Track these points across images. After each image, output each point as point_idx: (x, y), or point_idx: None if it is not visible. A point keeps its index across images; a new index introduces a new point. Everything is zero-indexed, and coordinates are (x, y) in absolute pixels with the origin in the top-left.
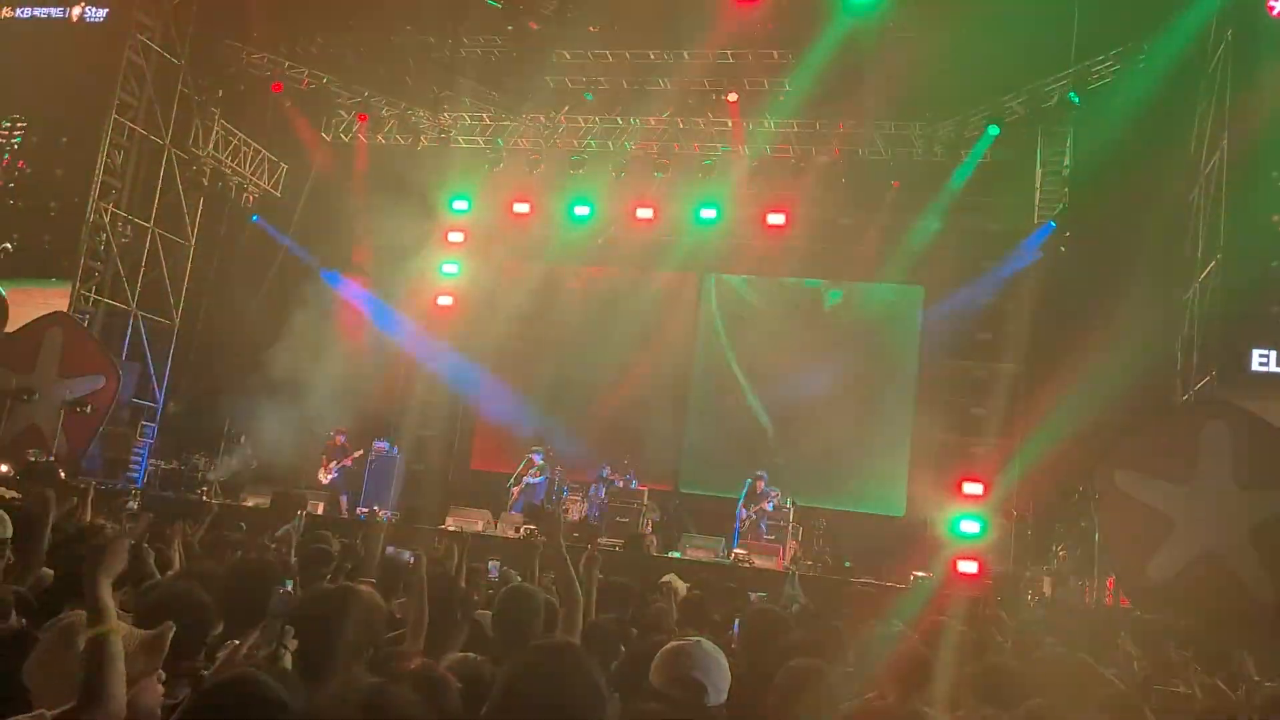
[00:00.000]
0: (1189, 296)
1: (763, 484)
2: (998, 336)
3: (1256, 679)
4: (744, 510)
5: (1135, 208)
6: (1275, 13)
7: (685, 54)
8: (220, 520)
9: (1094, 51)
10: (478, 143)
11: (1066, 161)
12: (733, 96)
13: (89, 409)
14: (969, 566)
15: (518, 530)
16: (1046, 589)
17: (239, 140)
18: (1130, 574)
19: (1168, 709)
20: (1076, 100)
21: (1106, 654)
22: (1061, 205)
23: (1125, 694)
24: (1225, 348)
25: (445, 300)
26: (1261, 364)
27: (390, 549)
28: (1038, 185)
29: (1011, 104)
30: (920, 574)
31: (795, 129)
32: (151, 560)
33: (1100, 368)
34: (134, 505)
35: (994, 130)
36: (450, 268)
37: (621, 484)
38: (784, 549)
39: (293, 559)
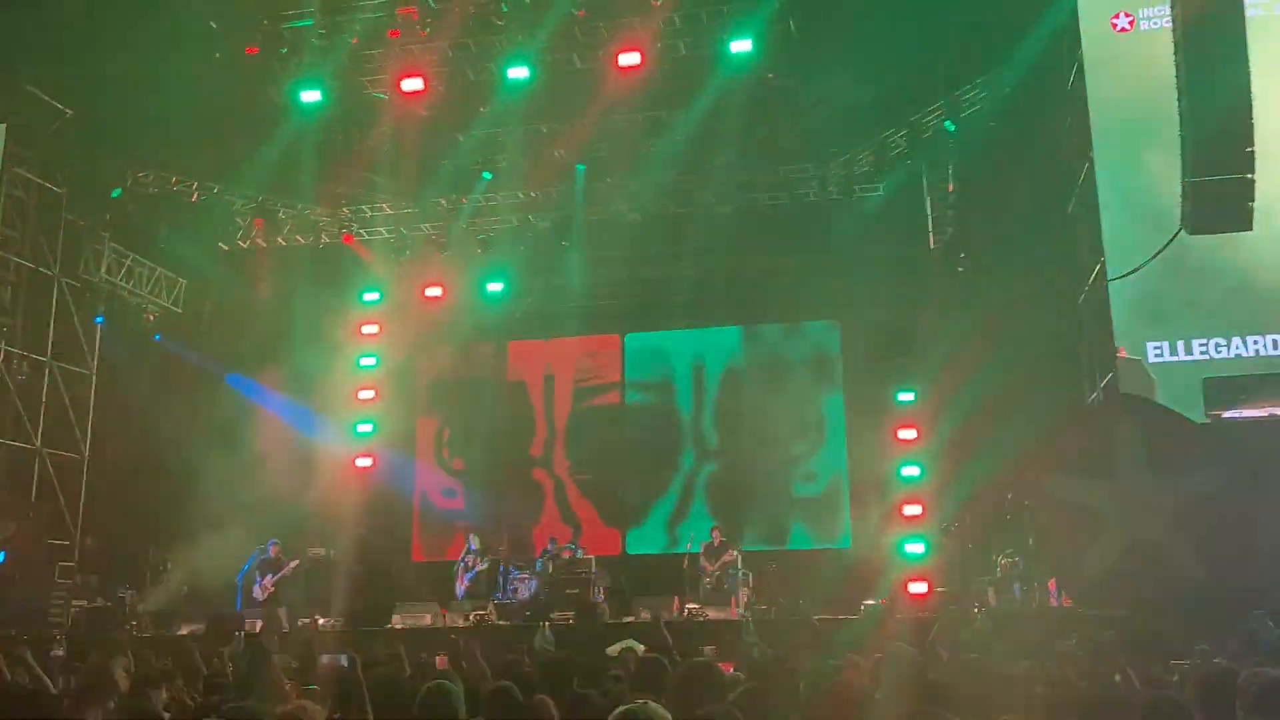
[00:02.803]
0: (1082, 301)
1: (719, 535)
2: (915, 361)
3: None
4: (705, 564)
5: (1023, 223)
6: (1118, 28)
7: (575, 123)
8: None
9: (961, 81)
10: (380, 233)
11: (951, 187)
12: None
13: None
14: (918, 587)
15: (467, 618)
16: (991, 599)
17: (132, 260)
18: (1069, 573)
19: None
20: (952, 128)
21: (1051, 656)
22: (951, 230)
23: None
24: (1124, 344)
25: (366, 394)
26: (1156, 355)
27: (325, 656)
28: (929, 212)
29: (894, 138)
30: (869, 602)
31: (684, 181)
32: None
33: (1014, 379)
34: (60, 652)
35: (878, 166)
36: (368, 360)
37: (568, 555)
38: (736, 597)
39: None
